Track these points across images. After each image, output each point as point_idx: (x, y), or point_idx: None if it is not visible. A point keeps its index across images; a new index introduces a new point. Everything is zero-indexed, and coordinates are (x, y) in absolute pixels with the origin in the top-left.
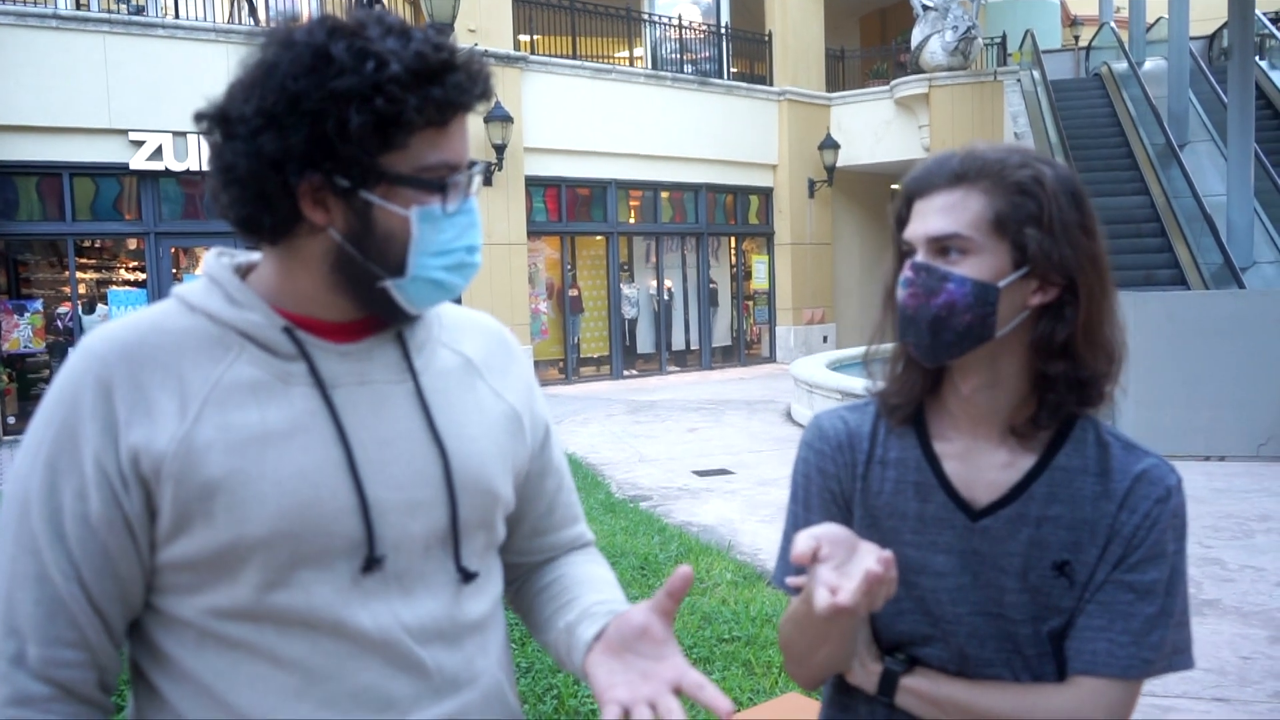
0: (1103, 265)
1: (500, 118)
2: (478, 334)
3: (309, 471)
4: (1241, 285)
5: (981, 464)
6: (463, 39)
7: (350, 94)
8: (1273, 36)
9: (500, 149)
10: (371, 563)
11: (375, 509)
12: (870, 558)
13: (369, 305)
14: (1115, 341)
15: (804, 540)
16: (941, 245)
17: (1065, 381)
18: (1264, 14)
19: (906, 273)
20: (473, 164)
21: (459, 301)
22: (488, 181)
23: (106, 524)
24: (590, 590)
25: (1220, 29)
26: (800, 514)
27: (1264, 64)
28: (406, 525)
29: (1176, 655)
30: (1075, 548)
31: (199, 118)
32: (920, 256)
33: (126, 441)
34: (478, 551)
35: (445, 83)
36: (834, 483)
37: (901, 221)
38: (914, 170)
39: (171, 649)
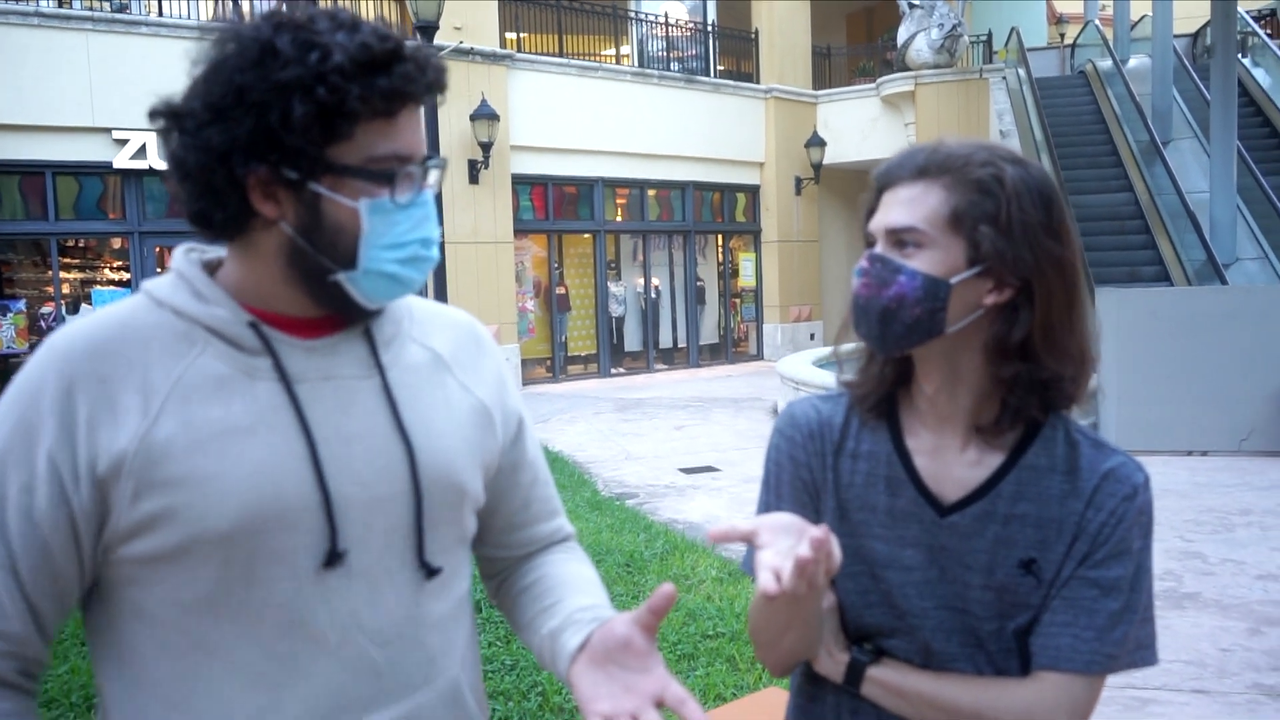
0: (1069, 268)
1: (486, 116)
2: (448, 329)
3: (272, 466)
4: (1224, 281)
5: (950, 461)
6: (448, 37)
7: (293, 84)
8: (1255, 34)
9: (486, 147)
10: (333, 557)
11: (338, 504)
12: (804, 541)
13: (325, 300)
14: (1080, 345)
15: (741, 525)
16: (898, 238)
17: (1024, 383)
18: (1246, 12)
19: (862, 263)
20: (429, 158)
21: (443, 299)
22: (474, 180)
23: (50, 521)
24: (573, 593)
25: (1203, 27)
26: (771, 501)
27: (1246, 61)
28: (369, 521)
29: (1140, 651)
30: (1042, 546)
31: (153, 114)
32: (878, 248)
33: (86, 440)
34: (444, 547)
35: (391, 73)
36: (805, 471)
37: (871, 212)
38: (884, 163)
39: (137, 644)
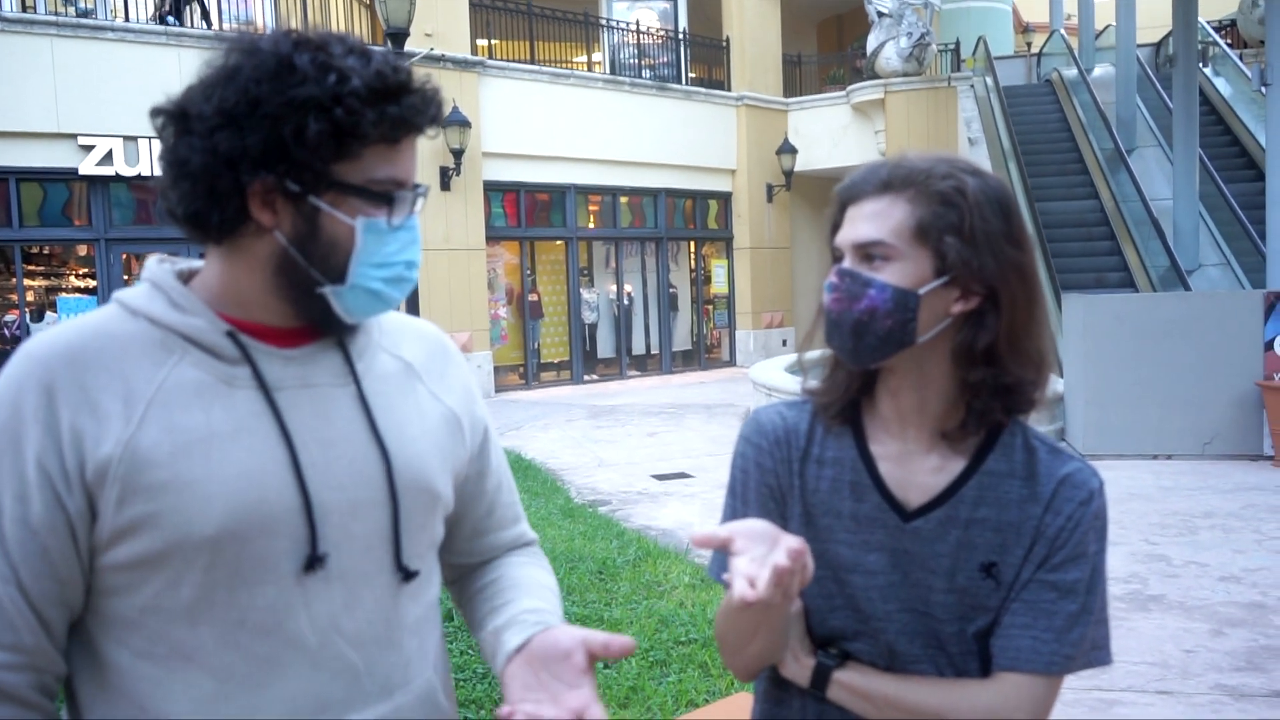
0: (1029, 274)
1: (458, 122)
2: (416, 339)
3: (254, 472)
4: (1188, 287)
5: (914, 466)
6: (419, 43)
7: (310, 103)
8: (1216, 44)
9: (458, 154)
10: (313, 561)
11: (318, 509)
12: (781, 550)
13: (306, 311)
14: (1041, 350)
15: (719, 530)
16: (866, 252)
17: (989, 388)
18: (1207, 22)
19: (831, 278)
20: (418, 186)
21: (415, 307)
22: (446, 186)
23: (48, 527)
24: (524, 595)
25: (1166, 37)
26: (737, 507)
27: (1207, 71)
28: (349, 525)
29: (1095, 651)
30: (1001, 549)
31: (155, 113)
32: (846, 262)
33: (71, 444)
34: (419, 552)
35: (401, 102)
36: (771, 477)
37: (836, 227)
38: (847, 178)
39: (111, 655)
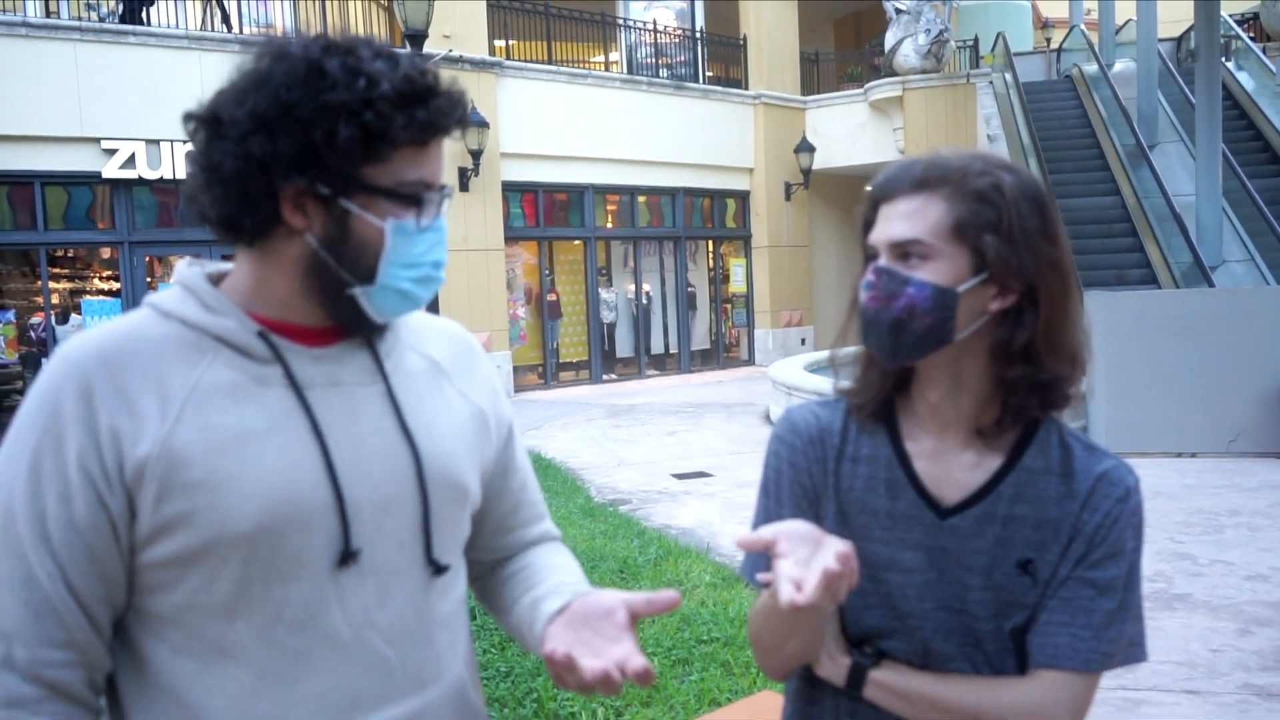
0: (1065, 271)
1: (476, 123)
2: (443, 339)
3: (287, 469)
4: (1211, 284)
5: (950, 464)
6: (437, 45)
7: (341, 107)
8: (1238, 38)
9: (476, 154)
10: (347, 556)
11: (351, 505)
12: (830, 553)
13: (336, 312)
14: (1077, 345)
15: (764, 532)
16: (903, 250)
17: (1026, 385)
18: (1229, 16)
19: (869, 276)
20: (444, 187)
21: (435, 307)
22: (464, 187)
23: (91, 526)
24: (559, 573)
25: (1187, 31)
26: (770, 507)
27: (1230, 65)
28: (381, 521)
29: (1132, 648)
30: (1039, 546)
31: (188, 118)
32: (882, 261)
33: (110, 444)
34: (449, 547)
35: (429, 105)
36: (805, 477)
37: (868, 225)
38: (880, 175)
39: (150, 650)
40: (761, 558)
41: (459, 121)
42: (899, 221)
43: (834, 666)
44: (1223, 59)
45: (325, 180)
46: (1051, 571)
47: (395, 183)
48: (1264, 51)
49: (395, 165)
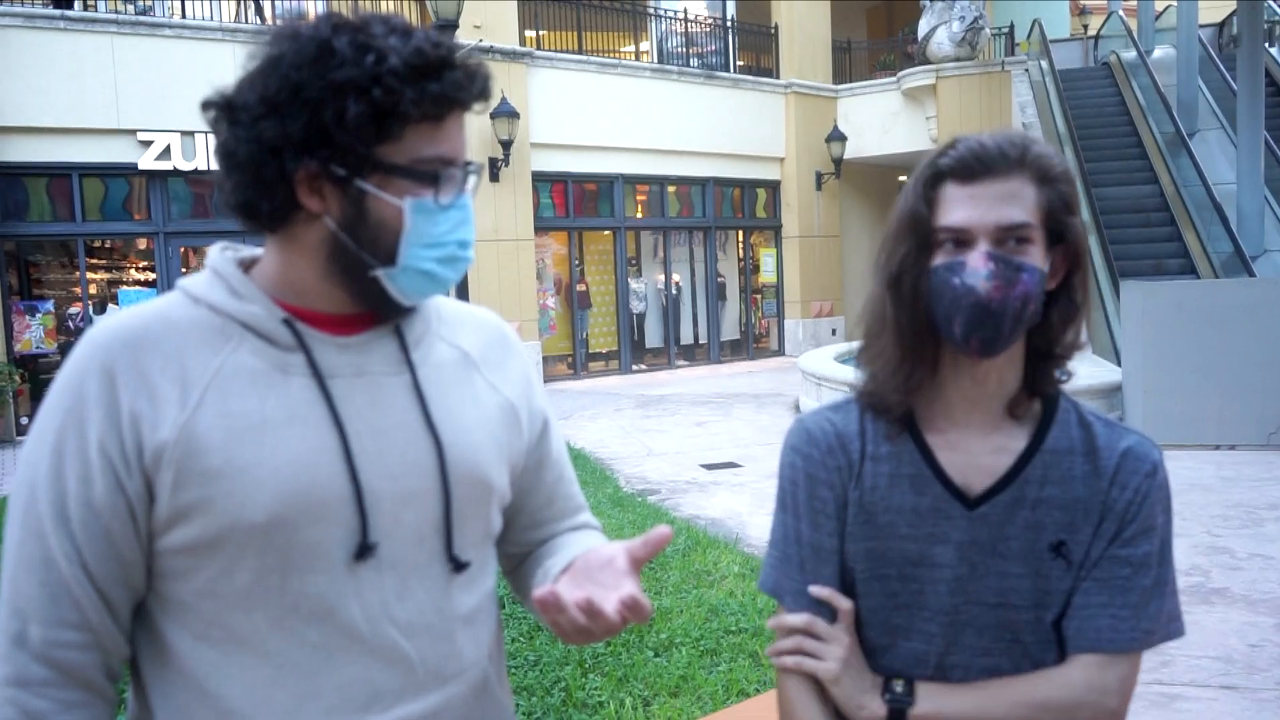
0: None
1: (506, 114)
2: (476, 329)
3: (306, 459)
4: (1252, 274)
5: (974, 450)
6: (468, 35)
7: (349, 85)
8: None
9: (507, 145)
10: (365, 549)
11: (370, 497)
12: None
13: (362, 297)
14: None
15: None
16: (1013, 234)
17: (1052, 356)
18: (1274, 1)
19: (985, 264)
20: (469, 164)
21: (465, 297)
22: (495, 178)
23: (110, 508)
24: (576, 547)
25: (1229, 16)
26: (790, 523)
27: (1273, 51)
28: (400, 514)
29: (1172, 623)
30: (1070, 528)
31: (206, 106)
32: (986, 246)
33: (130, 427)
34: (472, 543)
35: (442, 79)
36: (824, 489)
37: (929, 204)
38: (951, 153)
39: (171, 637)
40: (784, 570)
41: (479, 95)
42: (1004, 205)
43: (869, 715)
44: (1266, 44)
45: (339, 161)
46: (1084, 553)
47: (411, 160)
48: None
49: (410, 142)
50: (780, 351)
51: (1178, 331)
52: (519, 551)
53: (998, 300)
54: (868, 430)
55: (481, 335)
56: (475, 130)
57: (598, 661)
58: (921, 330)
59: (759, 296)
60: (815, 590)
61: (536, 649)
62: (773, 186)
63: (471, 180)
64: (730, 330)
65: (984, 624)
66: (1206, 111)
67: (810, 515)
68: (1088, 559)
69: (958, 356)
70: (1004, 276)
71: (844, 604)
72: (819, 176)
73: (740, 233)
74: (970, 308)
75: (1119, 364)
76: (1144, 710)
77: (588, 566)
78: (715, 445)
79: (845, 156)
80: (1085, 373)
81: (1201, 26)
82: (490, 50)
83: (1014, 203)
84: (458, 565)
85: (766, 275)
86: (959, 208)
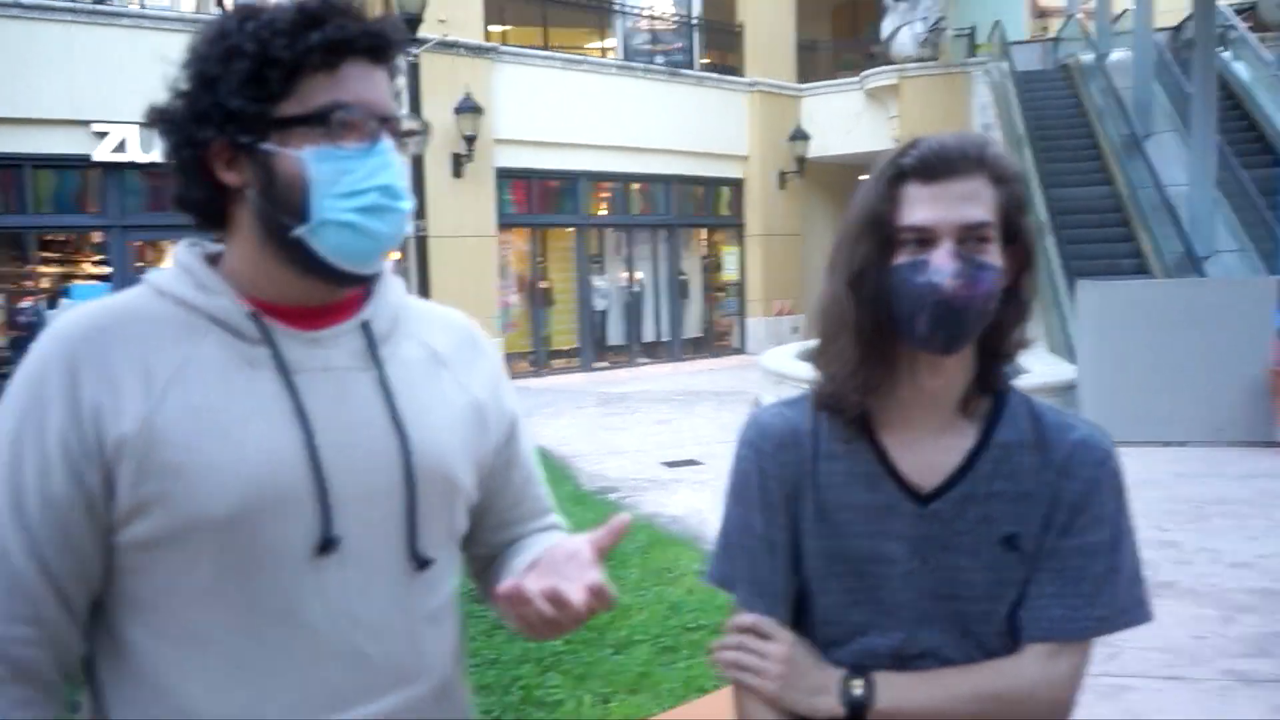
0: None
1: (470, 109)
2: (445, 328)
3: (269, 454)
4: (1202, 274)
5: (926, 448)
6: (432, 29)
7: (232, 50)
8: (1234, 29)
9: (470, 140)
10: (327, 543)
11: (333, 493)
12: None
13: (299, 265)
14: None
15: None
16: (974, 234)
17: (1001, 352)
18: (1227, 5)
19: (950, 262)
20: (387, 118)
21: (426, 293)
22: (458, 173)
23: (68, 502)
24: (540, 546)
25: (1184, 21)
26: (742, 515)
27: (1226, 55)
28: (364, 511)
29: (1135, 609)
30: (1021, 520)
31: (149, 122)
32: (949, 245)
33: (91, 420)
34: (436, 541)
35: (324, 27)
36: (775, 482)
37: (889, 203)
38: (913, 152)
39: (129, 634)
40: (736, 561)
41: (376, 40)
42: (966, 204)
43: (824, 704)
44: (1219, 49)
45: (241, 129)
46: (1036, 544)
47: (305, 110)
48: (1261, 42)
49: (304, 95)
50: (742, 349)
51: (1131, 330)
52: (487, 553)
53: (963, 298)
54: (822, 426)
55: (451, 335)
56: (439, 126)
57: (556, 659)
58: (882, 330)
59: (720, 295)
60: (745, 619)
61: (495, 647)
62: (736, 185)
63: (394, 136)
64: (692, 328)
65: (936, 617)
66: (1161, 114)
67: (763, 508)
68: (1040, 550)
69: (914, 356)
70: (968, 275)
71: (783, 634)
72: (781, 175)
73: (702, 231)
74: (935, 305)
75: (1074, 362)
76: (1094, 701)
77: (553, 560)
78: (677, 443)
79: (808, 156)
80: (1040, 370)
81: (1157, 30)
82: (455, 45)
83: (975, 202)
84: (421, 563)
85: (728, 273)
86: (922, 207)
